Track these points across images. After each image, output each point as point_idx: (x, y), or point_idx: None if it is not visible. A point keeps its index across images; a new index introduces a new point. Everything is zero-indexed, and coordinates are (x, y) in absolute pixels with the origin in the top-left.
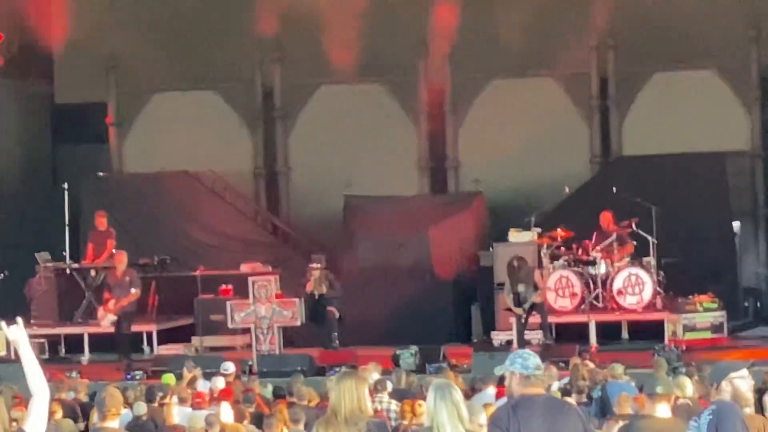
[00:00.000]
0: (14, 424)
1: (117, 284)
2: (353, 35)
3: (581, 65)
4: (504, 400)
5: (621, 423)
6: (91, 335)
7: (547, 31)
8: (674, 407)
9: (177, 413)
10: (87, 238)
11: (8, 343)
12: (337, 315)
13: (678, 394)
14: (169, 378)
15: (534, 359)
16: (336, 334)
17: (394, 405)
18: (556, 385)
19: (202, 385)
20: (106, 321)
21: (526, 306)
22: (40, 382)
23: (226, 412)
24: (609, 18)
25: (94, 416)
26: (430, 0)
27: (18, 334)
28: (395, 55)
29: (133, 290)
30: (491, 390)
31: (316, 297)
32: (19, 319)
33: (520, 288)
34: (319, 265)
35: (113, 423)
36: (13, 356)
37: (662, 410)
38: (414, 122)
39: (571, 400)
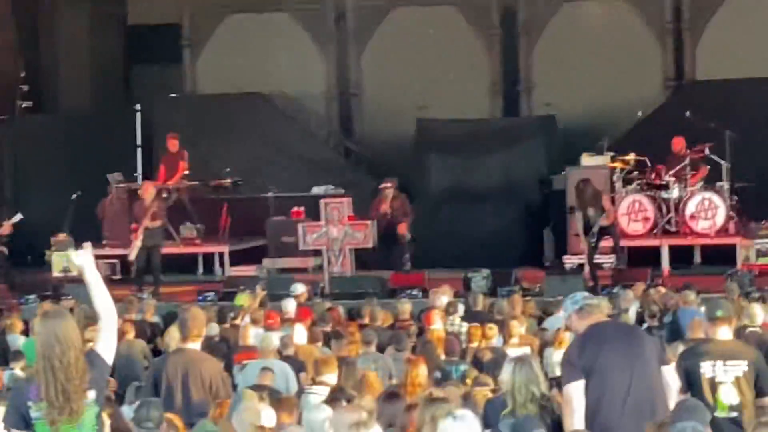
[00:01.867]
0: (88, 344)
1: (145, 214)
2: None
3: None
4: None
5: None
6: (163, 255)
7: None
8: (745, 335)
9: (250, 334)
10: (159, 159)
11: None
12: (408, 237)
13: (747, 322)
14: (241, 299)
15: (579, 293)
16: (408, 256)
17: (466, 327)
18: (632, 310)
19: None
20: (134, 251)
21: (594, 230)
22: (107, 305)
23: (299, 333)
24: None
25: (166, 337)
26: None
27: (85, 258)
28: None
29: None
30: (563, 313)
31: (389, 218)
32: (88, 244)
33: (589, 212)
34: (391, 185)
35: (195, 345)
36: None
37: (723, 333)
38: (487, 44)
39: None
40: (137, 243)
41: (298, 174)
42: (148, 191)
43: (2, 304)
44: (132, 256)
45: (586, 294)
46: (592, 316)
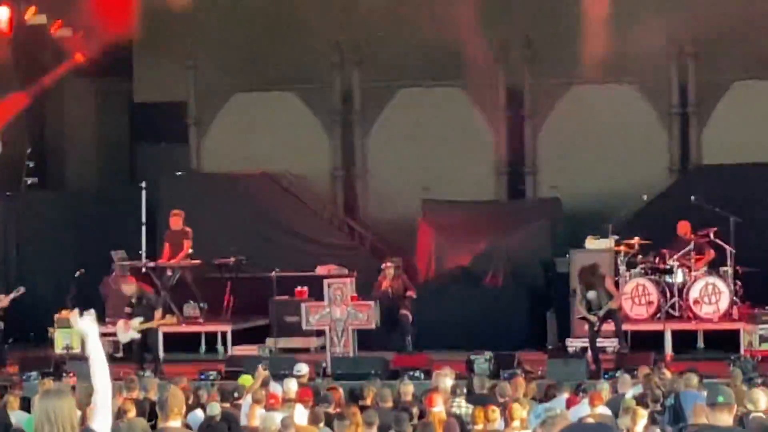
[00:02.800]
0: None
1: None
2: (433, 39)
3: (661, 73)
4: (576, 408)
5: None
6: (165, 334)
7: (628, 38)
8: (748, 421)
9: (253, 414)
10: (164, 237)
11: (83, 340)
12: (411, 318)
13: (750, 408)
14: (245, 379)
15: (541, 406)
16: (410, 337)
17: (470, 410)
18: (630, 393)
19: (275, 387)
20: (124, 336)
21: (601, 313)
22: (104, 378)
23: (300, 414)
24: (689, 26)
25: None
26: (509, 2)
27: (89, 325)
28: (473, 58)
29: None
30: (565, 396)
31: (391, 296)
32: (92, 311)
33: (590, 295)
34: (392, 265)
35: (176, 422)
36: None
37: (723, 419)
38: (492, 126)
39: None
40: (131, 333)
41: (302, 253)
42: (128, 288)
43: (6, 380)
44: (123, 340)
45: (548, 406)
46: (556, 427)
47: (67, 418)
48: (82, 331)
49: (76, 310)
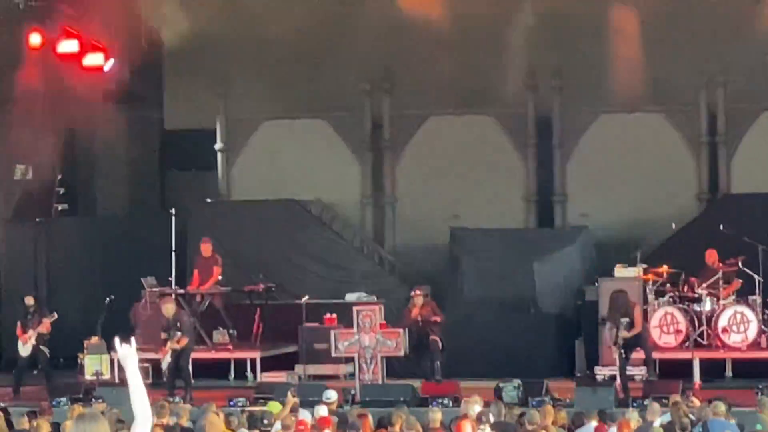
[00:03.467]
0: None
1: (170, 324)
2: (464, 67)
3: (690, 102)
4: None
5: None
6: (194, 360)
7: (657, 66)
8: None
9: None
10: (193, 264)
11: (112, 366)
12: (440, 345)
13: None
14: (273, 406)
15: None
16: (439, 364)
17: None
18: (658, 421)
19: (304, 413)
20: (164, 362)
21: (619, 342)
22: (143, 405)
23: None
24: (719, 55)
25: None
26: (539, 31)
27: (129, 353)
28: (503, 86)
29: (178, 334)
30: (593, 424)
31: (420, 325)
32: (134, 340)
33: (621, 322)
34: (421, 293)
35: None
36: (117, 380)
37: None
38: (521, 155)
39: None
40: (167, 358)
41: (331, 281)
42: (166, 308)
43: (36, 406)
44: (164, 366)
45: None
46: None
47: None
48: (122, 358)
49: (117, 340)
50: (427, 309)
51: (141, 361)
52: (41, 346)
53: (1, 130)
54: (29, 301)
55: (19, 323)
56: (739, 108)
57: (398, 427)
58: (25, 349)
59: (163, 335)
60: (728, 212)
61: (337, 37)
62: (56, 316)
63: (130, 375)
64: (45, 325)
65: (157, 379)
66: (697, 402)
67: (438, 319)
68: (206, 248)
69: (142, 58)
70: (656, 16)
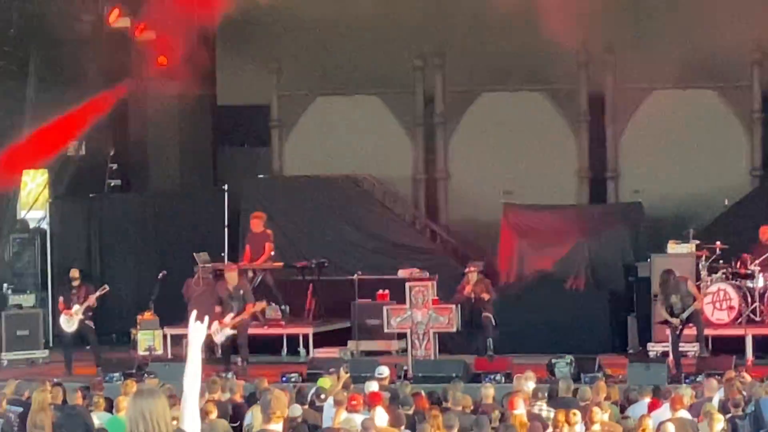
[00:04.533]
0: (174, 422)
1: (229, 297)
2: (516, 43)
3: (743, 77)
4: (658, 412)
5: None
6: (248, 336)
7: (710, 42)
8: None
9: (332, 416)
10: (245, 240)
11: (165, 342)
12: (493, 322)
13: None
14: (325, 381)
15: None
16: (491, 340)
17: (551, 414)
18: (716, 398)
19: (357, 389)
20: (220, 335)
21: (684, 315)
22: (195, 382)
23: (380, 416)
24: None
25: (248, 417)
26: (591, 7)
27: (200, 332)
28: (556, 62)
29: (249, 303)
30: (646, 400)
31: (473, 302)
32: (207, 319)
33: (673, 299)
34: (475, 269)
35: (277, 426)
36: (169, 355)
37: None
38: (574, 131)
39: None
40: (226, 330)
41: (384, 256)
42: (232, 273)
43: (87, 381)
44: (219, 340)
45: None
46: None
47: (161, 417)
48: (191, 337)
49: (193, 317)
50: (480, 285)
51: None
52: (86, 321)
53: (56, 106)
54: (74, 273)
55: (61, 298)
56: None
57: (450, 403)
58: (69, 324)
59: (218, 308)
60: None
61: (389, 12)
62: (107, 288)
63: (192, 351)
64: (91, 300)
65: (209, 355)
66: (748, 378)
67: (487, 296)
68: (257, 224)
69: (194, 34)
70: None
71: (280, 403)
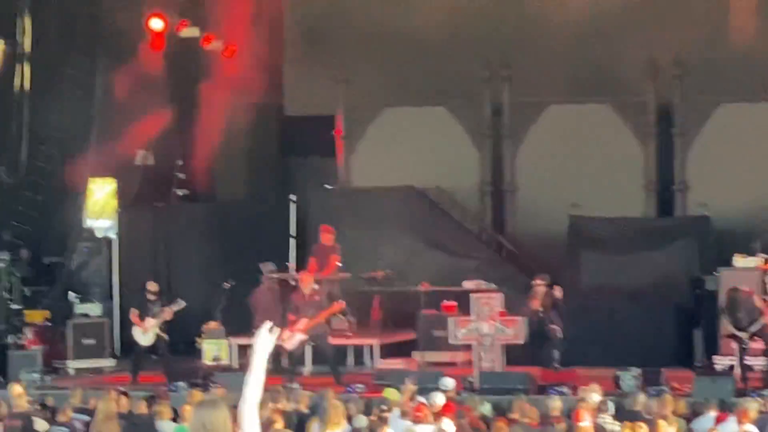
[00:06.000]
0: None
1: (305, 304)
2: (582, 55)
3: None
4: (724, 425)
5: None
6: (314, 347)
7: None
8: None
9: (398, 427)
10: (311, 251)
11: (231, 351)
12: (559, 334)
13: None
14: (390, 392)
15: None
16: (557, 352)
17: (618, 427)
18: None
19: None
20: (292, 342)
21: (751, 330)
22: (256, 391)
23: (448, 427)
24: None
25: (312, 427)
26: (659, 18)
27: (268, 342)
28: (624, 74)
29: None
30: (712, 414)
31: (540, 315)
32: (276, 330)
33: (740, 313)
34: (543, 282)
35: None
36: (236, 365)
37: None
38: (642, 143)
39: None
40: (298, 336)
41: (450, 268)
42: (307, 281)
43: (153, 390)
44: (290, 346)
45: None
46: None
47: (222, 427)
48: (259, 344)
49: (267, 325)
50: (548, 298)
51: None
52: (162, 333)
53: (125, 116)
54: (153, 287)
55: (135, 310)
56: None
57: (516, 415)
58: (146, 338)
59: (292, 316)
60: None
61: (456, 23)
62: (184, 304)
63: (258, 360)
64: (168, 313)
65: (276, 365)
66: None
67: (554, 309)
68: (327, 237)
69: (262, 44)
70: None
71: (337, 410)
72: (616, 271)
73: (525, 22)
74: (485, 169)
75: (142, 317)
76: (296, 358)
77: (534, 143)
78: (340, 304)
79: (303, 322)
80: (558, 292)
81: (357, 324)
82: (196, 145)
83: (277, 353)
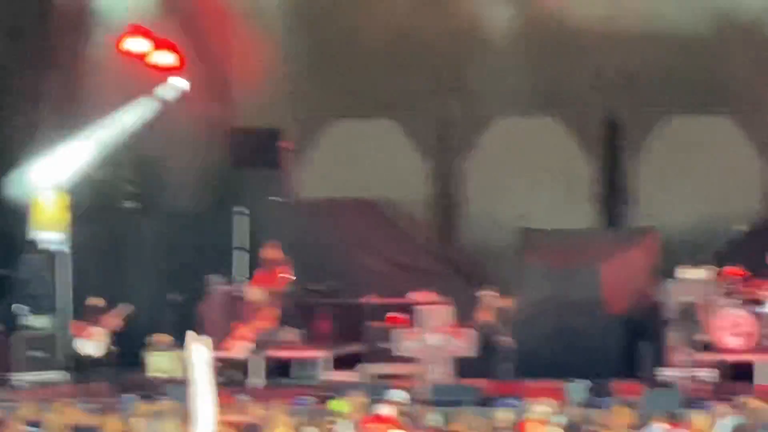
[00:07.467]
0: None
1: (251, 316)
2: (530, 67)
3: (762, 105)
4: None
5: None
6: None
7: (726, 69)
8: None
9: None
10: (259, 263)
11: (179, 364)
12: (508, 346)
13: None
14: (338, 404)
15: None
16: (506, 364)
17: None
18: (730, 423)
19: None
20: (241, 351)
21: (697, 341)
22: (205, 403)
23: None
24: None
25: None
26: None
27: (202, 353)
28: (571, 86)
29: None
30: (660, 425)
31: (490, 325)
32: (210, 342)
33: (687, 325)
34: (491, 294)
35: None
36: (184, 377)
37: None
38: (589, 155)
39: None
40: (246, 344)
41: (398, 280)
42: (252, 294)
43: (102, 403)
44: (241, 355)
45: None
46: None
47: None
48: (194, 359)
49: (193, 336)
50: (496, 309)
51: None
52: (110, 345)
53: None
54: (96, 301)
55: (77, 322)
56: None
57: (464, 428)
58: (96, 348)
59: (240, 326)
60: None
61: (405, 35)
62: (131, 308)
63: (198, 374)
64: (117, 322)
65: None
66: (760, 404)
67: (503, 321)
68: (273, 252)
69: (210, 56)
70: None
71: (286, 424)
72: (564, 282)
73: (473, 34)
74: (434, 182)
75: (85, 328)
76: (243, 368)
77: (482, 156)
78: (274, 310)
79: (247, 330)
80: (506, 303)
81: (304, 336)
82: (145, 157)
83: (224, 365)
